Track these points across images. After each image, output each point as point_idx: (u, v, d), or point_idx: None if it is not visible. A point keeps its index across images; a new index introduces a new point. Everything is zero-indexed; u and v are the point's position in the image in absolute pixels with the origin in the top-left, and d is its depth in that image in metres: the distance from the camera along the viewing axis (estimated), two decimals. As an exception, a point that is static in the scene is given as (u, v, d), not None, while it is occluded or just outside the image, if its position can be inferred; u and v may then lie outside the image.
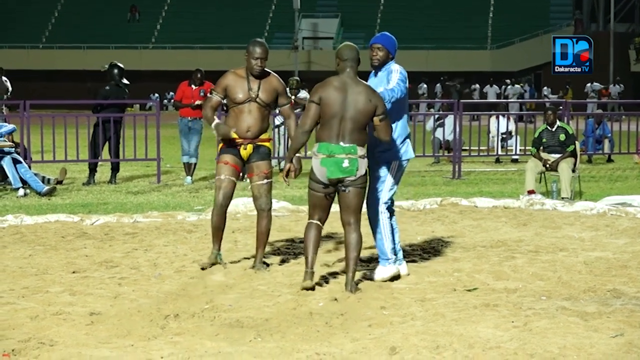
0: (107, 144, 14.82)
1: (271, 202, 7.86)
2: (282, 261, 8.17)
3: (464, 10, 55.98)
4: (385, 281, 7.27)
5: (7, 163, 13.30)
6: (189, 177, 15.00)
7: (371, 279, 7.34)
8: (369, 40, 7.57)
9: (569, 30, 52.76)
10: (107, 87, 14.92)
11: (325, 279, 7.36)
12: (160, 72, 52.78)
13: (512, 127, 19.84)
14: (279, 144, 16.41)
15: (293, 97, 16.07)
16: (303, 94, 16.71)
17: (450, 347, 5.42)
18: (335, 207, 7.10)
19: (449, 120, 18.55)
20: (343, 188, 6.89)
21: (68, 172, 15.20)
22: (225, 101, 7.82)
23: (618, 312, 6.21)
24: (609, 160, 19.52)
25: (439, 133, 19.05)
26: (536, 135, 13.29)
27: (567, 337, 5.61)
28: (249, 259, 8.12)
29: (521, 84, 41.21)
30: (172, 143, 21.40)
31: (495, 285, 7.19)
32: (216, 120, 7.64)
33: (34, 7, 57.65)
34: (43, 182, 13.63)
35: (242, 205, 11.19)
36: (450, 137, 18.33)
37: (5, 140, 13.71)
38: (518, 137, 19.56)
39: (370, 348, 5.43)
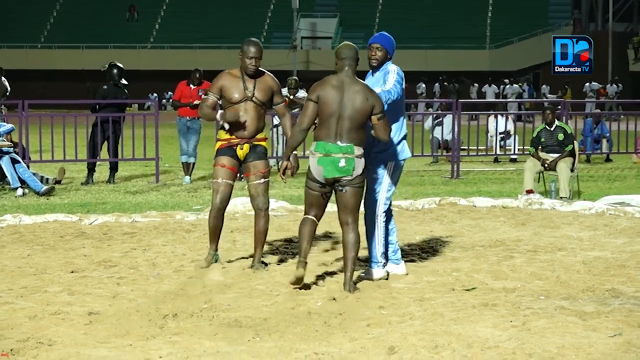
0: (105, 143, 14.83)
1: (269, 202, 7.86)
2: (281, 261, 8.17)
3: (463, 9, 55.98)
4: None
5: (5, 163, 13.30)
6: (187, 177, 15.01)
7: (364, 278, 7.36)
8: (368, 40, 7.57)
9: (568, 29, 52.76)
10: (105, 87, 14.92)
11: (323, 279, 7.36)
12: (159, 72, 52.76)
13: (510, 126, 19.84)
14: (277, 143, 16.41)
15: (292, 96, 16.07)
16: (301, 93, 16.70)
17: (449, 346, 5.42)
18: (333, 207, 7.10)
19: (448, 120, 18.56)
20: (340, 188, 6.90)
21: (67, 172, 15.20)
22: (220, 102, 7.82)
23: (616, 311, 6.22)
24: (608, 159, 19.52)
25: (437, 133, 19.05)
26: (535, 134, 13.30)
27: (565, 336, 5.61)
28: (247, 258, 8.12)
29: (519, 84, 41.21)
30: (170, 143, 21.40)
31: (494, 285, 7.20)
32: (219, 111, 7.63)
33: (32, 7, 57.62)
34: (42, 181, 13.63)
35: (240, 205, 11.19)
36: (448, 137, 18.34)
37: (3, 140, 13.71)
38: (516, 137, 19.56)
39: (368, 348, 5.43)
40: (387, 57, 7.35)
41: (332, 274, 7.55)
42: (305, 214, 7.04)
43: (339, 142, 6.82)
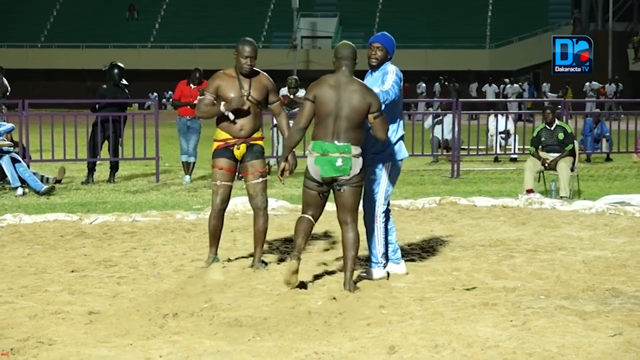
0: (106, 143, 14.83)
1: (267, 200, 7.86)
2: (281, 260, 8.17)
3: (463, 9, 55.99)
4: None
5: (5, 162, 13.30)
6: (187, 176, 15.01)
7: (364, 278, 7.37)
8: (368, 40, 7.56)
9: (568, 29, 52.76)
10: (105, 86, 14.93)
11: (323, 278, 7.36)
12: (159, 71, 52.77)
13: (510, 126, 19.83)
14: (278, 143, 16.41)
15: (292, 96, 16.07)
16: (302, 93, 16.70)
17: (449, 346, 5.42)
18: (333, 206, 7.10)
19: (448, 119, 18.56)
20: (338, 187, 6.89)
21: (67, 171, 15.20)
22: (216, 102, 7.80)
23: (617, 311, 6.21)
24: (608, 159, 19.52)
25: (437, 132, 19.05)
26: (535, 134, 13.29)
27: (565, 336, 5.61)
28: (247, 257, 8.12)
29: (520, 83, 41.20)
30: (170, 142, 21.40)
31: (494, 285, 7.20)
32: (222, 103, 7.60)
33: (32, 7, 57.62)
34: (42, 181, 13.63)
35: (241, 205, 11.19)
36: (449, 136, 18.34)
37: (4, 139, 13.71)
38: (517, 136, 19.56)
39: (369, 347, 5.43)
40: (387, 57, 7.35)
41: (332, 273, 7.55)
42: (303, 213, 7.03)
43: (336, 142, 6.81)
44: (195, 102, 14.41)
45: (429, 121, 19.57)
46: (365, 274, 7.42)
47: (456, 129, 16.52)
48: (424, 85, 45.97)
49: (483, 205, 11.72)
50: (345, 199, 6.91)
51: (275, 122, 16.08)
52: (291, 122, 7.69)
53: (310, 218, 6.99)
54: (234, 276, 7.42)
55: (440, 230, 9.88)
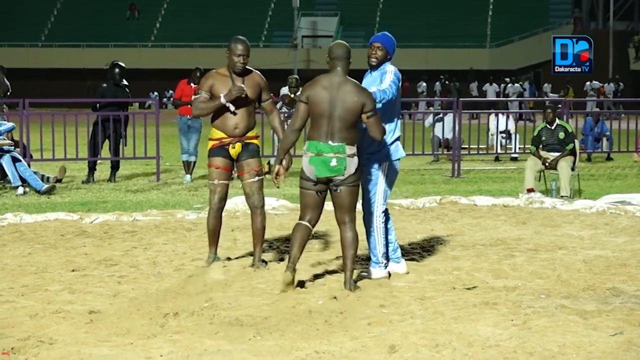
0: (107, 142, 14.83)
1: (264, 199, 7.86)
2: (281, 259, 8.17)
3: (463, 8, 55.98)
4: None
5: (6, 161, 13.30)
6: (188, 176, 15.01)
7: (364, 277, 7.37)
8: (368, 39, 7.56)
9: (569, 28, 52.75)
10: (105, 85, 14.93)
11: (324, 277, 7.36)
12: (159, 71, 52.76)
13: (511, 126, 19.82)
14: (279, 142, 16.39)
15: (292, 95, 16.07)
16: (302, 92, 16.69)
17: (450, 345, 5.42)
18: (331, 206, 7.10)
19: (449, 118, 18.55)
20: (335, 187, 6.89)
21: (67, 171, 15.20)
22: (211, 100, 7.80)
23: (617, 310, 6.21)
24: (609, 158, 19.52)
25: (438, 131, 19.04)
26: (535, 133, 13.29)
27: (566, 335, 5.61)
28: (248, 257, 8.12)
29: (521, 83, 41.19)
30: (171, 141, 21.40)
31: (495, 284, 7.20)
32: (221, 95, 7.58)
33: (33, 6, 57.62)
34: (42, 180, 13.63)
35: (241, 204, 11.19)
36: (449, 136, 18.33)
37: (4, 139, 13.72)
38: (517, 136, 19.56)
39: (369, 346, 5.43)
40: (387, 57, 7.34)
41: (332, 272, 7.55)
42: (300, 218, 7.00)
43: (330, 142, 6.80)
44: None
45: (429, 119, 19.57)
46: (366, 274, 7.43)
47: (457, 128, 16.52)
48: (424, 84, 45.96)
49: (484, 205, 11.72)
50: (342, 199, 6.91)
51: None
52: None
53: (308, 224, 6.95)
54: (234, 275, 7.43)
55: (440, 230, 9.88)
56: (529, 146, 13.71)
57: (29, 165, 13.74)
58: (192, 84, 14.88)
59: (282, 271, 7.52)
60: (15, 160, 13.40)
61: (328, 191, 6.98)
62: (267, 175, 8.05)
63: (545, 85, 45.97)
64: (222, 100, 7.54)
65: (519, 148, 19.16)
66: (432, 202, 11.85)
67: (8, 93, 22.14)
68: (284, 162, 7.09)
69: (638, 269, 7.77)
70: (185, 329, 5.87)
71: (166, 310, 6.28)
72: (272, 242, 9.05)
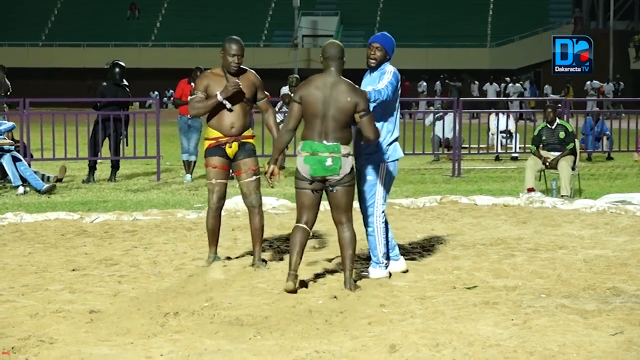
0: (107, 141, 14.84)
1: (261, 198, 7.86)
2: (282, 259, 8.17)
3: (464, 8, 55.98)
4: None
5: (6, 161, 13.30)
6: (188, 175, 15.01)
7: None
8: (369, 38, 7.55)
9: (569, 28, 52.75)
10: (105, 84, 14.93)
11: (324, 277, 7.36)
12: (159, 70, 52.77)
13: (511, 126, 19.82)
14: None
15: (293, 94, 16.05)
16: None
17: (450, 344, 5.42)
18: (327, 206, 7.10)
19: (449, 118, 18.55)
20: (331, 188, 6.88)
21: (68, 170, 15.20)
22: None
23: (617, 310, 6.22)
24: (609, 158, 19.52)
25: (438, 131, 19.04)
26: (536, 133, 13.28)
27: (566, 334, 5.61)
28: (248, 256, 8.12)
29: (521, 82, 41.19)
30: (171, 141, 21.40)
31: (495, 283, 7.20)
32: (217, 92, 7.57)
33: (33, 5, 57.64)
34: (43, 179, 13.63)
35: (241, 203, 11.15)
36: (450, 135, 18.33)
37: (4, 138, 13.71)
38: (518, 135, 19.56)
39: (369, 346, 5.44)
40: (386, 57, 7.33)
41: (332, 272, 7.54)
42: (298, 220, 6.98)
43: (325, 142, 6.80)
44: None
45: (429, 118, 19.57)
46: (366, 274, 7.42)
47: (457, 127, 16.52)
48: (424, 84, 45.96)
49: (484, 204, 11.72)
50: (339, 199, 6.91)
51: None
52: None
53: (306, 227, 6.94)
54: (234, 275, 7.43)
55: (441, 229, 9.88)
56: (530, 146, 13.70)
57: (29, 165, 13.74)
58: (192, 84, 14.88)
59: (283, 270, 7.54)
60: (15, 159, 13.40)
61: (324, 192, 6.98)
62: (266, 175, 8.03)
63: (546, 86, 45.97)
64: (219, 97, 7.55)
65: (520, 147, 19.15)
66: (433, 201, 11.85)
67: (8, 92, 22.14)
68: (278, 162, 7.09)
69: (638, 268, 7.77)
70: (186, 328, 5.87)
71: (166, 310, 6.28)
72: (273, 241, 9.05)
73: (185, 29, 55.95)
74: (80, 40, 55.03)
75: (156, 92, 46.91)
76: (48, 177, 14.13)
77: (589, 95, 41.98)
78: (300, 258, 6.90)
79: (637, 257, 8.21)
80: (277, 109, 15.36)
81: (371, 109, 6.98)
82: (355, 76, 7.33)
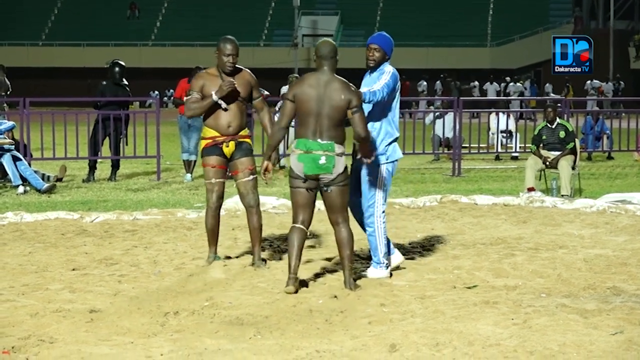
0: (107, 141, 14.84)
1: (259, 198, 7.86)
2: (281, 258, 8.17)
3: (464, 7, 55.97)
4: None
5: (6, 160, 13.30)
6: (188, 175, 15.01)
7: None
8: (368, 38, 7.55)
9: (569, 27, 52.74)
10: (104, 83, 14.93)
11: (324, 276, 7.36)
12: (160, 70, 52.75)
13: (512, 125, 19.82)
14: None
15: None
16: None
17: (450, 344, 5.43)
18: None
19: (449, 117, 18.55)
20: (325, 188, 6.88)
21: (68, 170, 15.20)
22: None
23: (618, 309, 6.22)
24: (609, 157, 19.52)
25: (438, 130, 19.04)
26: (536, 132, 13.28)
27: (566, 334, 5.61)
28: (248, 255, 8.11)
29: (522, 82, 41.18)
30: (172, 140, 21.39)
31: (495, 283, 7.20)
32: (212, 92, 7.57)
33: (33, 5, 57.63)
34: (43, 179, 13.63)
35: (241, 203, 11.18)
36: (450, 134, 18.33)
37: (4, 138, 13.71)
38: (518, 135, 19.56)
39: (370, 345, 5.44)
40: (384, 57, 7.32)
41: (333, 271, 7.55)
42: (294, 220, 6.97)
43: (319, 140, 6.80)
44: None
45: (430, 117, 19.58)
46: (367, 274, 7.41)
47: (457, 127, 16.51)
48: (425, 83, 45.94)
49: (484, 204, 11.72)
50: (333, 199, 6.91)
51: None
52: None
53: (302, 227, 6.93)
54: (234, 274, 7.43)
55: (441, 229, 9.88)
56: (530, 145, 13.70)
57: (29, 164, 13.74)
58: (192, 83, 14.87)
59: (283, 270, 7.54)
60: (15, 159, 13.40)
61: (319, 192, 6.98)
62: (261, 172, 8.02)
63: (547, 85, 45.98)
64: (214, 97, 7.55)
65: (520, 147, 19.15)
66: (433, 201, 11.85)
67: (8, 92, 22.14)
68: (271, 159, 7.10)
69: (638, 268, 7.77)
70: (186, 327, 5.87)
71: (167, 309, 6.28)
72: (273, 241, 9.05)
73: (185, 29, 55.93)
74: (80, 39, 55.02)
75: (156, 92, 46.94)
76: (48, 177, 14.13)
77: (589, 95, 42.02)
78: (299, 260, 6.90)
79: (637, 257, 8.22)
80: (277, 109, 15.35)
81: (369, 109, 6.98)
82: (356, 76, 7.34)
